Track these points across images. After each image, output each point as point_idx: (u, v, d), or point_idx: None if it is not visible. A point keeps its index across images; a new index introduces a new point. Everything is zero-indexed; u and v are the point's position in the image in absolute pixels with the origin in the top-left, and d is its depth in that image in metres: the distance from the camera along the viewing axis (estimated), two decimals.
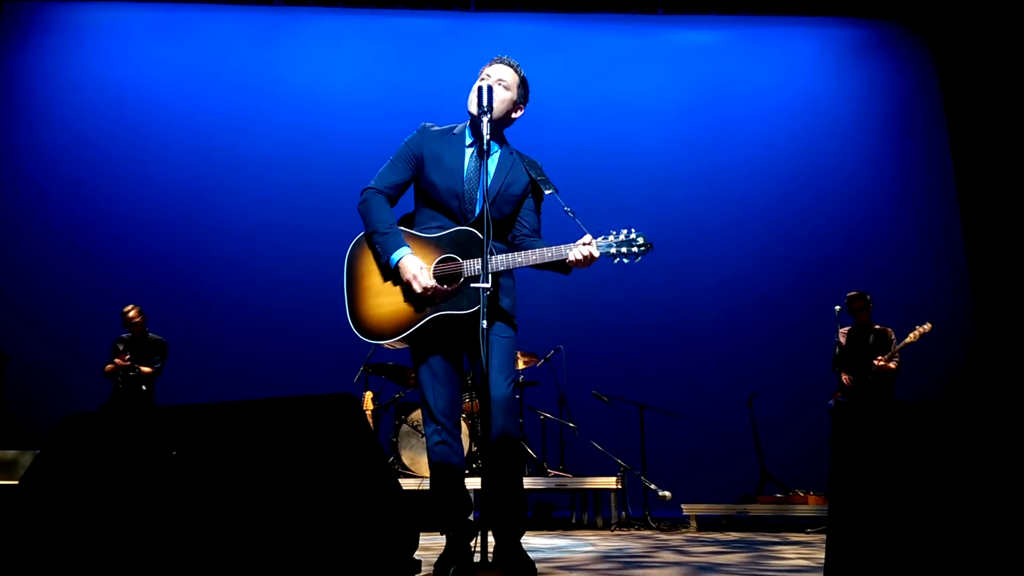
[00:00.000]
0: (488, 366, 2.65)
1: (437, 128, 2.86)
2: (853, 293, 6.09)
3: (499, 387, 2.65)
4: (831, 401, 6.10)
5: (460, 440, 2.79)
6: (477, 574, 2.58)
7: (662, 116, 8.76)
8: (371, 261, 2.78)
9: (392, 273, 2.73)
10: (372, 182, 2.84)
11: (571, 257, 2.60)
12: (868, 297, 6.07)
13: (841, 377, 5.92)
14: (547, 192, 2.77)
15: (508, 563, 2.57)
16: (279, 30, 8.86)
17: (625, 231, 2.64)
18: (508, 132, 2.91)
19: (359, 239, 2.84)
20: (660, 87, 8.89)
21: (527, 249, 2.70)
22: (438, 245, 2.72)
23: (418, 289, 2.63)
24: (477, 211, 2.70)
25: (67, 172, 8.27)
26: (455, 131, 2.85)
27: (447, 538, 2.74)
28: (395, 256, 2.68)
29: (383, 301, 2.72)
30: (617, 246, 2.62)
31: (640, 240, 2.62)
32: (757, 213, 8.46)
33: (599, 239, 2.64)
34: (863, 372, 5.82)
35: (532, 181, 2.81)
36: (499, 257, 2.65)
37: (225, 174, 8.39)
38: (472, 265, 2.62)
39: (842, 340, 6.02)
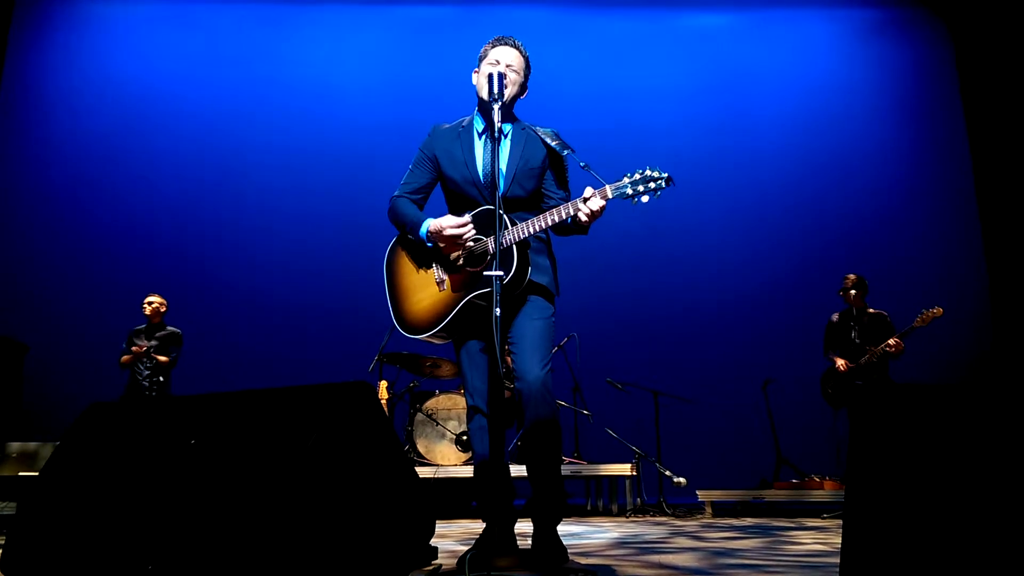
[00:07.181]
0: (519, 349, 2.66)
1: (447, 126, 2.87)
2: (849, 276, 6.02)
3: (532, 370, 2.63)
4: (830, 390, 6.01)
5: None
6: (493, 560, 2.59)
7: (675, 101, 8.70)
8: (406, 261, 2.82)
9: (427, 255, 2.75)
10: (396, 191, 2.89)
11: (584, 209, 2.52)
12: (854, 278, 5.96)
13: (836, 362, 5.84)
14: (565, 154, 2.74)
15: (543, 550, 2.56)
16: (289, 22, 8.87)
17: (640, 170, 2.52)
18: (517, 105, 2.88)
19: (393, 244, 2.88)
20: (672, 72, 8.83)
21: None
22: None
23: (455, 232, 2.60)
24: (500, 191, 2.62)
25: (82, 166, 8.34)
26: (463, 124, 2.85)
27: (485, 523, 2.73)
28: (423, 228, 2.69)
29: (421, 296, 2.75)
30: (633, 185, 2.50)
31: (657, 174, 2.49)
32: (771, 198, 8.41)
33: (612, 184, 2.55)
34: (855, 356, 5.76)
35: (549, 149, 2.78)
36: (514, 229, 2.59)
37: (238, 166, 8.43)
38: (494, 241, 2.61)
39: (835, 321, 6.01)
